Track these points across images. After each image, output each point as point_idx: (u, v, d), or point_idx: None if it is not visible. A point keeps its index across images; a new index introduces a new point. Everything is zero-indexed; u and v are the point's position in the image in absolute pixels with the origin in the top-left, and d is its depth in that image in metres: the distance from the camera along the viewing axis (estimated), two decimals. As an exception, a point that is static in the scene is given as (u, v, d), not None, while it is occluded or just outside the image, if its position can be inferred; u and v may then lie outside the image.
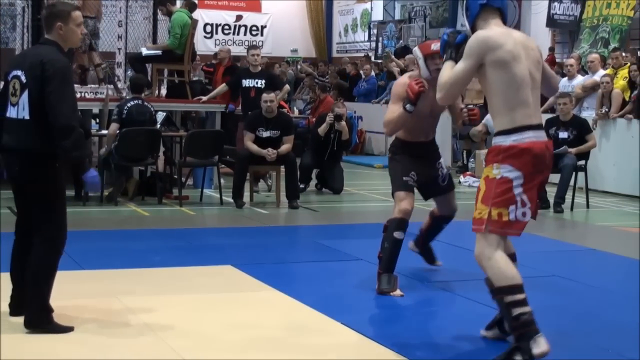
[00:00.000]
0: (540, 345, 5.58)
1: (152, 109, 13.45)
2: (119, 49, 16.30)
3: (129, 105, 13.12)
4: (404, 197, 7.89)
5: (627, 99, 15.93)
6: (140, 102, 13.28)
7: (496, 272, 5.83)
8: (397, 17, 30.51)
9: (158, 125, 13.92)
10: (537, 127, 6.05)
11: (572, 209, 13.80)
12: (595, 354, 6.33)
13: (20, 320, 6.43)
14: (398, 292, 7.77)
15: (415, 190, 8.24)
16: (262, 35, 31.89)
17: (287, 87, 15.92)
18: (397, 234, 7.81)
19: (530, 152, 5.89)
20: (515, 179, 5.84)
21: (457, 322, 7.32)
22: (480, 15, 6.23)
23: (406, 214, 7.83)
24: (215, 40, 30.91)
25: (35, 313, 6.46)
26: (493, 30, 6.14)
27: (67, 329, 6.50)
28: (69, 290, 7.27)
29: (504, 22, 6.27)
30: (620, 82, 16.22)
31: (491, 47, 5.95)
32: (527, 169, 5.88)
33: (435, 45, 7.64)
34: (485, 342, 6.56)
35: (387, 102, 21.85)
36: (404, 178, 7.97)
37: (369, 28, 31.60)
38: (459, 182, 17.28)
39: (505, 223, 5.87)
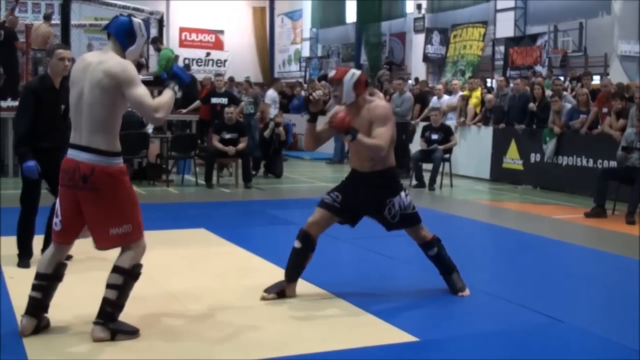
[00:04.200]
0: (21, 324, 4.80)
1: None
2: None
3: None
4: (315, 211, 5.94)
5: (478, 112, 16.07)
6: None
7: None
8: (319, 54, 30.50)
9: (150, 130, 13.79)
10: (73, 146, 4.76)
11: (441, 187, 13.89)
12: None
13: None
14: (271, 296, 5.89)
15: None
16: (224, 66, 31.69)
17: (242, 103, 15.93)
18: (295, 243, 5.95)
19: (62, 167, 4.79)
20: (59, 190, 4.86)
21: (372, 270, 7.31)
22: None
23: (308, 225, 5.90)
24: (192, 70, 30.63)
25: None
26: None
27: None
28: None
29: (124, 46, 4.90)
30: (474, 100, 16.36)
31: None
32: (60, 181, 4.82)
33: (330, 73, 6.05)
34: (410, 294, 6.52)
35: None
36: (324, 195, 5.98)
37: (300, 62, 31.56)
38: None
39: (53, 231, 4.94)
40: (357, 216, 6.05)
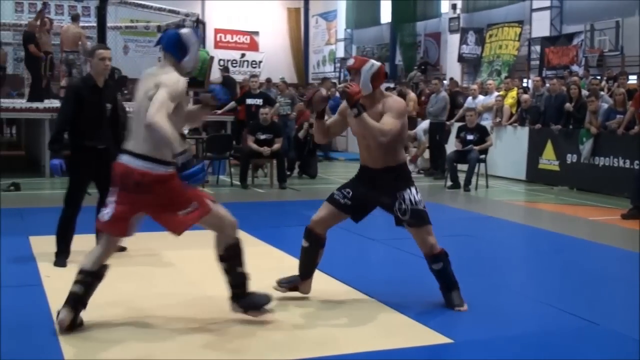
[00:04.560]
0: (59, 315, 4.93)
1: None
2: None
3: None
4: (323, 207, 5.90)
5: (514, 112, 15.98)
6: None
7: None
8: (354, 54, 30.49)
9: (186, 130, 13.88)
10: (125, 152, 4.97)
11: (476, 188, 13.83)
12: (492, 279, 6.34)
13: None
14: (281, 289, 5.94)
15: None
16: (259, 67, 31.77)
17: (277, 104, 15.96)
18: (303, 242, 5.93)
19: (114, 171, 5.01)
20: (112, 189, 5.03)
21: (397, 268, 7.30)
22: None
23: (313, 222, 5.89)
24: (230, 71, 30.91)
25: None
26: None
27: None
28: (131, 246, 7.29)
29: (178, 58, 5.11)
30: (510, 100, 16.27)
31: None
32: (114, 183, 5.02)
33: (349, 62, 5.80)
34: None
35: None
36: (335, 191, 5.87)
37: (334, 62, 31.54)
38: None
39: (101, 222, 5.07)
40: (366, 212, 5.90)
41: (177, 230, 5.07)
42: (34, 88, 15.95)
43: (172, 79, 4.93)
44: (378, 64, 5.70)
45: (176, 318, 5.28)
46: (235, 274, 5.24)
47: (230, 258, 5.21)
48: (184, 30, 5.21)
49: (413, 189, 5.69)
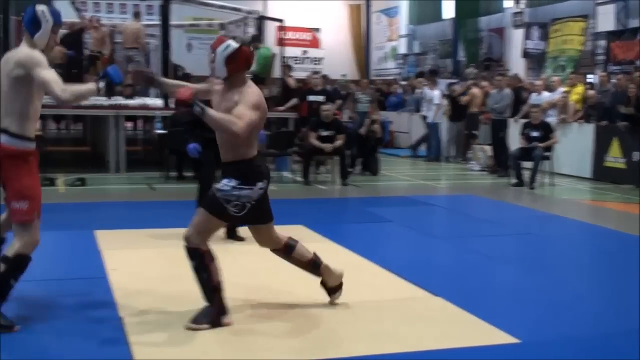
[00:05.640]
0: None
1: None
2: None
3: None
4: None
5: (579, 108, 15.74)
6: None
7: None
8: (416, 51, 30.33)
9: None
10: None
11: (541, 186, 13.64)
12: (557, 278, 6.25)
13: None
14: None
15: None
16: (321, 64, 31.81)
17: (339, 100, 15.97)
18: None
19: None
20: None
21: (455, 264, 7.23)
22: None
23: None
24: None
25: None
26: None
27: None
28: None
29: (31, 33, 4.97)
30: (575, 96, 16.03)
31: None
32: None
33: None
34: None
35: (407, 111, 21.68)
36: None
37: (396, 59, 31.44)
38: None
39: None
40: None
41: (12, 219, 4.90)
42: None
43: (33, 56, 4.82)
44: (236, 45, 5.13)
45: (232, 308, 5.30)
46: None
47: (12, 267, 4.78)
48: (38, 7, 5.03)
49: (245, 186, 5.20)
